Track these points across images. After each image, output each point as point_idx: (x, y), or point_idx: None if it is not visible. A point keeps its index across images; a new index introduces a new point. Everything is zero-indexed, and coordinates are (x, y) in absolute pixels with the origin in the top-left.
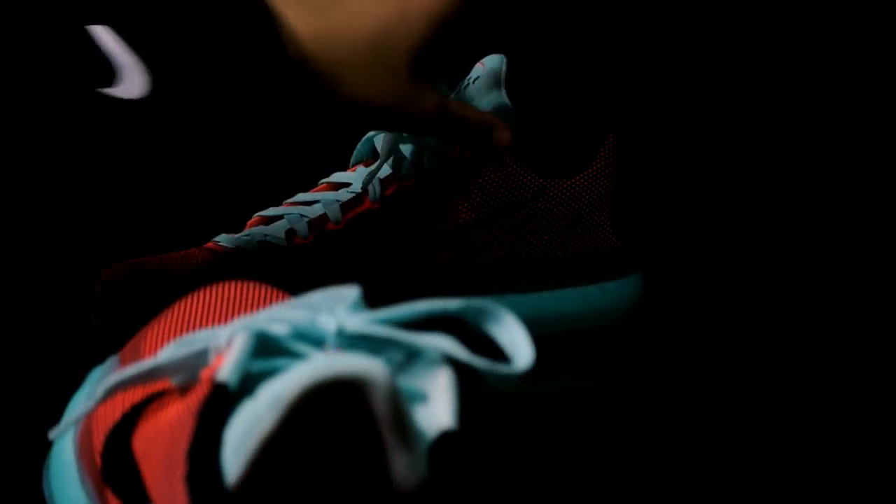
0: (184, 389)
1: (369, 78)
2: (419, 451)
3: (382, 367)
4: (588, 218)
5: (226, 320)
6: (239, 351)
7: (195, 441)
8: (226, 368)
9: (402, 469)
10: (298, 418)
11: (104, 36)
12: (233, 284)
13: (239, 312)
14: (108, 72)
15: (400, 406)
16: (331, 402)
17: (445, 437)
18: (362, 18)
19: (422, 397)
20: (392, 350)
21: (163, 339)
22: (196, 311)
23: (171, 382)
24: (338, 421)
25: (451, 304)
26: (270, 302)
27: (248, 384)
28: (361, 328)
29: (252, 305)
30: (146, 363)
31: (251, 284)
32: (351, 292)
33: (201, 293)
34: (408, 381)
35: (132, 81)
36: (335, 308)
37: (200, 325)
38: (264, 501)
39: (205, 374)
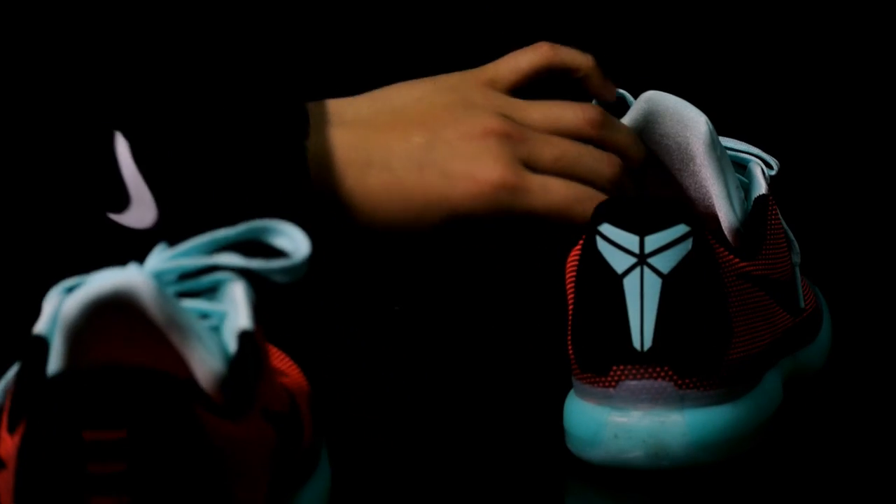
0: None
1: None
2: (208, 348)
3: (143, 274)
4: None
5: None
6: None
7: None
8: (42, 324)
9: (200, 367)
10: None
11: (127, 162)
12: None
13: None
14: (124, 198)
15: (170, 305)
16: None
17: (245, 336)
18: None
19: (230, 314)
20: (199, 283)
21: None
22: None
23: None
24: (129, 333)
25: (235, 229)
26: None
27: None
28: (162, 265)
29: None
30: None
31: None
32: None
33: None
34: (219, 307)
35: (142, 212)
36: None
37: None
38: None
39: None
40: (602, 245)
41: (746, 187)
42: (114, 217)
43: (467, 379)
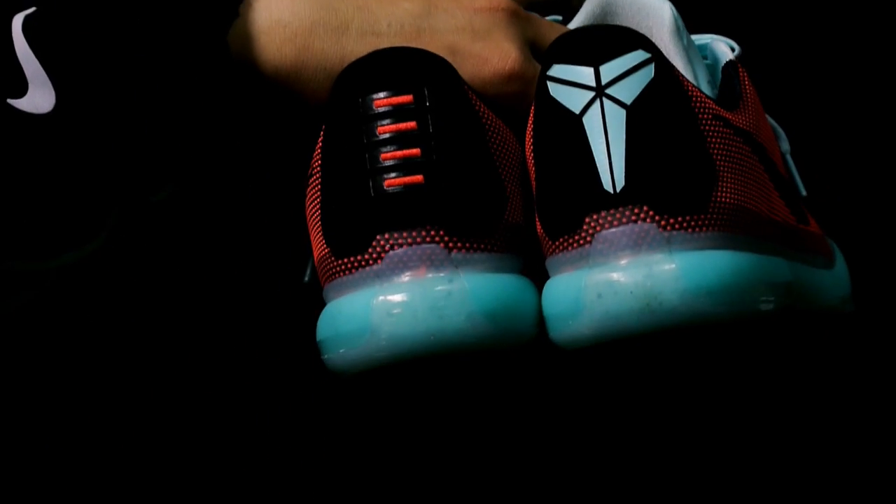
0: None
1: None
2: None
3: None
4: None
5: None
6: None
7: None
8: None
9: None
10: None
11: (21, 42)
12: None
13: None
14: (19, 81)
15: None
16: None
17: None
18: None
19: None
20: None
21: None
22: None
23: None
24: None
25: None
26: None
27: None
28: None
29: None
30: None
31: None
32: None
33: None
34: None
35: (39, 95)
36: None
37: None
38: None
39: None
40: (554, 89)
41: (712, 68)
42: (12, 103)
43: (463, 375)
